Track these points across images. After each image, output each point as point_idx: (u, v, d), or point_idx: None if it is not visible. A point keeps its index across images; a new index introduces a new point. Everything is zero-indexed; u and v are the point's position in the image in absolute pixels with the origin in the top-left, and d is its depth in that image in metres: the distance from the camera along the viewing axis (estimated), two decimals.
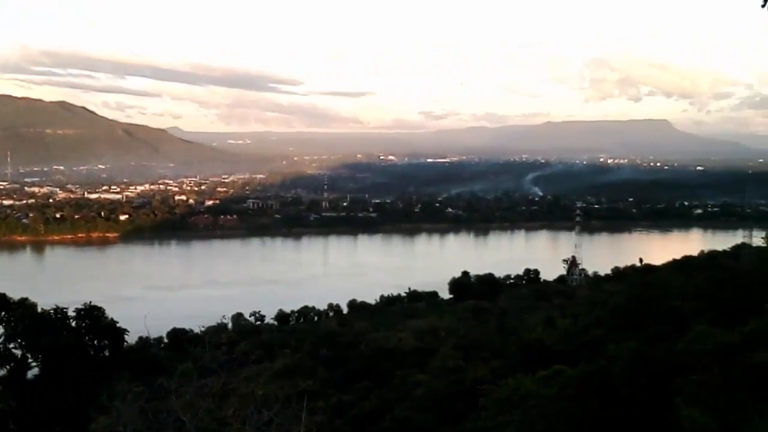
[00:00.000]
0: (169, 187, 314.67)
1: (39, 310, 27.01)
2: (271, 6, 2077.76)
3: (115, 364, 26.59)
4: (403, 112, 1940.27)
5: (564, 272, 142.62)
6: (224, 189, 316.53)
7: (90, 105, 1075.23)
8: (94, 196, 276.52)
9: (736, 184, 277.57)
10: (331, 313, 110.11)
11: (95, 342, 27.81)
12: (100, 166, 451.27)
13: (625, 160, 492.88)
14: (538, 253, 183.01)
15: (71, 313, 27.22)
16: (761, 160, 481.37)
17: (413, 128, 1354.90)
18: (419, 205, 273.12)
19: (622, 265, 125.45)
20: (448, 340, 63.11)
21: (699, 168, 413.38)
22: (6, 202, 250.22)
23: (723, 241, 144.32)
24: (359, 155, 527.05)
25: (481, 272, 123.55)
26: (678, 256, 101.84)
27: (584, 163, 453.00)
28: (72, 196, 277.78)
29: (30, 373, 25.93)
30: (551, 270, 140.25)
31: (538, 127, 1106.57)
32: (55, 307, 26.98)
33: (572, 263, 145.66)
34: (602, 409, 20.51)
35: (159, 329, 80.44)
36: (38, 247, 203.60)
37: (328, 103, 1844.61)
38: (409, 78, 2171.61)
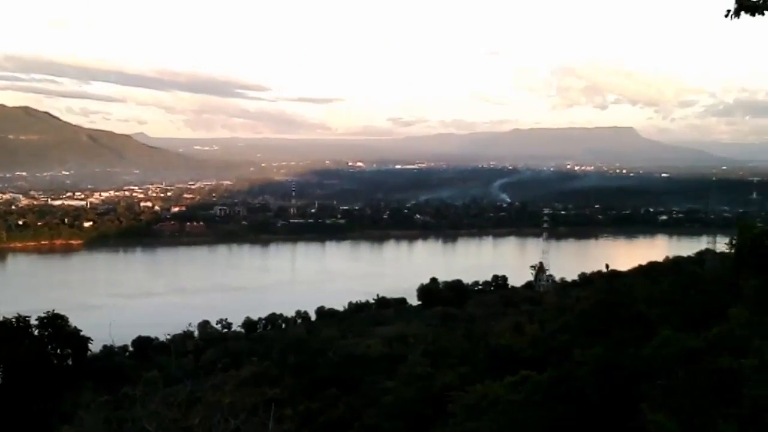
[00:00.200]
0: (134, 194, 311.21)
1: (0, 318, 26.46)
2: (237, 11, 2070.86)
3: (78, 373, 26.16)
4: (371, 119, 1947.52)
5: (532, 278, 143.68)
6: (191, 195, 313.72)
7: (54, 110, 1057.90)
8: (57, 202, 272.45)
9: (700, 190, 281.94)
10: (299, 321, 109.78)
11: (58, 351, 27.35)
12: (64, 172, 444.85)
13: (592, 167, 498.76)
14: (506, 260, 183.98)
15: (33, 321, 26.74)
16: (724, 168, 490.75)
17: (381, 135, 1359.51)
18: (387, 212, 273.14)
19: (588, 271, 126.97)
20: (416, 347, 62.95)
21: (664, 175, 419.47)
22: None
23: (687, 247, 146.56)
24: (327, 162, 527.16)
25: (450, 279, 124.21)
26: (643, 262, 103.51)
27: (551, 170, 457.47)
28: (35, 202, 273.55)
29: None
30: (519, 276, 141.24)
31: (505, 134, 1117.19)
32: (17, 315, 26.46)
33: (540, 269, 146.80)
34: (569, 415, 20.60)
35: (124, 337, 79.44)
36: (0, 255, 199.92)
37: (295, 109, 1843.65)
38: (378, 85, 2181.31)
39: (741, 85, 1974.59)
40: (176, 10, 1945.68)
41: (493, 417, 22.81)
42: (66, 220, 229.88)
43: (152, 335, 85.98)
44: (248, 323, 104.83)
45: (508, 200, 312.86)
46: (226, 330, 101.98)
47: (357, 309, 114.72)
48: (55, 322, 26.99)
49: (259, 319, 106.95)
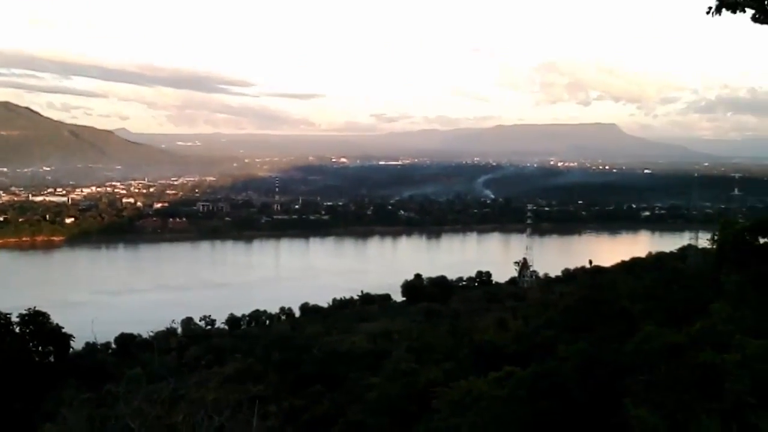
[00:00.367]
0: (116, 190, 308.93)
1: None
2: (220, 6, 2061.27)
3: (60, 370, 26.03)
4: (354, 115, 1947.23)
5: (515, 274, 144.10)
6: (173, 191, 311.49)
7: (34, 105, 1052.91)
8: (39, 198, 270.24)
9: (683, 186, 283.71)
10: (283, 317, 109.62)
11: (40, 348, 27.22)
12: (45, 168, 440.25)
13: (575, 164, 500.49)
14: (490, 256, 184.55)
15: (14, 319, 26.55)
16: (706, 164, 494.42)
17: (365, 131, 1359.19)
18: (371, 208, 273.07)
19: (572, 266, 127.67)
20: (400, 343, 63.07)
21: (646, 171, 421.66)
22: None
23: (670, 242, 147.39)
24: (311, 158, 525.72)
25: (434, 275, 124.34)
26: (626, 258, 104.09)
27: (535, 166, 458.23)
28: (16, 198, 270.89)
29: None
30: (503, 272, 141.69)
31: (489, 130, 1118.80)
32: None
33: (523, 265, 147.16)
34: (553, 410, 20.68)
35: (107, 335, 78.77)
36: None
37: (278, 104, 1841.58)
38: (361, 80, 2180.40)
39: (723, 82, 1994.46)
40: (158, 5, 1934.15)
41: (477, 413, 22.85)
42: (47, 216, 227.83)
43: (135, 332, 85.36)
44: (232, 320, 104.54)
45: (492, 196, 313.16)
46: (209, 327, 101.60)
47: (341, 305, 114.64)
48: (36, 319, 26.85)
49: (243, 315, 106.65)
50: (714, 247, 26.77)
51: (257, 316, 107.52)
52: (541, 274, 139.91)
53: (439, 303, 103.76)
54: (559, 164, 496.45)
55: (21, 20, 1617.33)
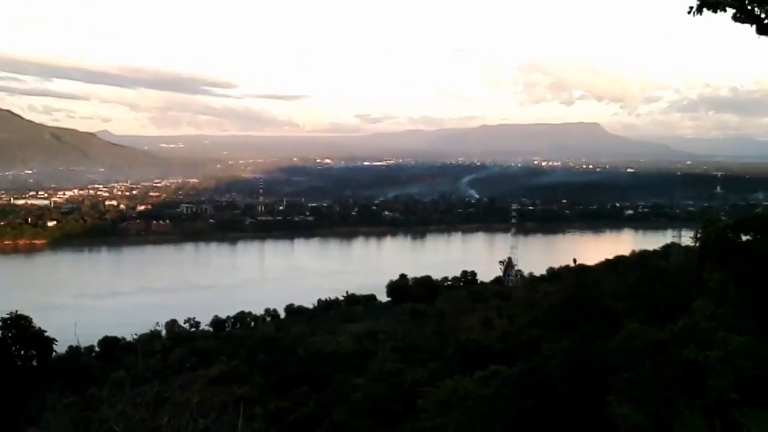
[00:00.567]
0: (99, 193, 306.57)
1: None
2: (202, 8, 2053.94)
3: (43, 374, 25.82)
4: (339, 116, 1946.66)
5: (500, 273, 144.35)
6: (156, 194, 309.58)
7: (15, 108, 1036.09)
8: (20, 202, 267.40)
9: (665, 185, 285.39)
10: (268, 318, 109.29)
11: (22, 352, 26.98)
12: (26, 171, 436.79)
13: (559, 163, 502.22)
14: (474, 255, 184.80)
15: None
16: (689, 162, 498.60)
17: (349, 131, 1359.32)
18: (356, 209, 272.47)
19: (556, 265, 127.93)
20: (386, 343, 63.15)
21: (629, 170, 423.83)
22: None
23: (653, 241, 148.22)
24: (295, 159, 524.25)
25: (419, 275, 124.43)
26: (610, 256, 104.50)
27: (519, 165, 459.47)
28: None
29: None
30: (488, 271, 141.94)
31: (473, 130, 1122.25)
32: None
33: (508, 264, 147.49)
34: (538, 408, 20.75)
35: (90, 338, 78.29)
36: None
37: (262, 106, 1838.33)
38: (345, 82, 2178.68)
39: (704, 81, 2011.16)
40: (140, 7, 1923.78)
41: (463, 412, 22.91)
42: (29, 219, 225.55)
43: (119, 335, 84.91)
44: (216, 322, 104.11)
45: (477, 196, 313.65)
46: (194, 329, 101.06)
47: (326, 306, 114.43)
48: (18, 323, 26.65)
49: (228, 317, 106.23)
50: (697, 245, 26.91)
51: (242, 317, 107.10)
52: (525, 273, 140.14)
53: (424, 303, 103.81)
54: (543, 164, 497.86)
55: (1, 22, 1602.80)
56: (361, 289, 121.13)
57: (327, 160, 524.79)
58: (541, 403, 20.88)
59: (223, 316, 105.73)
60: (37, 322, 27.17)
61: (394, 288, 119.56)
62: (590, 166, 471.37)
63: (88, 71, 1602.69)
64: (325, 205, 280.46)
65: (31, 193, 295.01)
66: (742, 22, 6.81)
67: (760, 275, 19.13)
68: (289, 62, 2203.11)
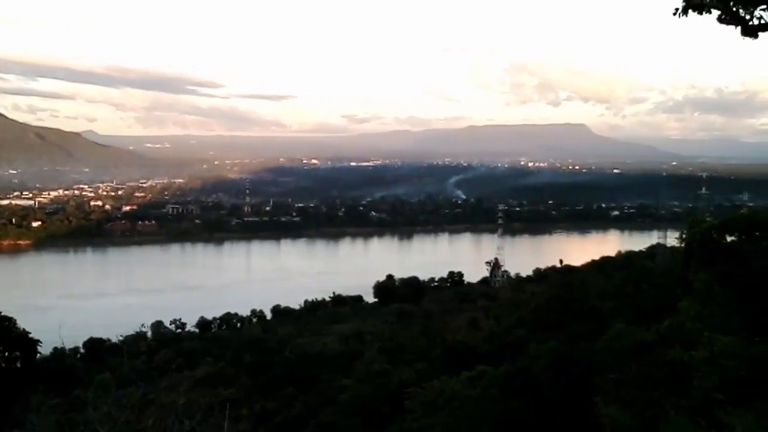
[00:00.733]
0: (84, 193, 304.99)
1: None
2: (189, 8, 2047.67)
3: (28, 375, 25.63)
4: (325, 116, 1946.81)
5: (487, 274, 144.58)
6: (142, 194, 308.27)
7: None
8: (5, 202, 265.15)
9: (651, 186, 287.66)
10: (254, 320, 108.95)
11: (6, 353, 26.80)
12: (11, 171, 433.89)
13: (545, 164, 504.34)
14: (461, 256, 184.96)
15: None
16: (674, 163, 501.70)
17: (336, 132, 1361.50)
18: (343, 209, 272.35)
19: (543, 266, 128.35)
20: (373, 344, 63.07)
21: (615, 171, 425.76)
22: None
23: (639, 241, 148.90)
24: (282, 159, 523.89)
25: (406, 276, 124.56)
26: (596, 257, 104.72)
27: (506, 166, 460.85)
28: None
29: None
30: (475, 272, 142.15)
31: (460, 130, 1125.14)
32: None
33: (495, 265, 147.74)
34: (525, 409, 20.79)
35: (75, 339, 77.73)
36: None
37: (249, 106, 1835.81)
38: (332, 82, 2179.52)
39: (690, 83, 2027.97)
40: (126, 6, 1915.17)
41: (450, 412, 22.93)
42: (13, 220, 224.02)
43: (104, 336, 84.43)
44: (203, 323, 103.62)
45: (463, 197, 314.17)
46: (179, 330, 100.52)
47: (313, 307, 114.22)
48: (2, 324, 26.49)
49: (214, 318, 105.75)
50: (682, 245, 27.05)
51: (228, 318, 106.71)
52: (512, 273, 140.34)
53: (411, 304, 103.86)
54: (530, 164, 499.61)
55: None
56: (347, 290, 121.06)
57: (314, 161, 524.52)
58: (528, 403, 20.91)
59: (209, 317, 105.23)
60: (22, 323, 26.99)
61: (381, 289, 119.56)
62: (577, 167, 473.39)
63: (74, 70, 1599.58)
64: (311, 205, 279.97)
65: (16, 194, 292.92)
66: (727, 23, 6.84)
67: (745, 276, 19.26)
68: (275, 62, 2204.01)
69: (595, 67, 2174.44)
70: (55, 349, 53.62)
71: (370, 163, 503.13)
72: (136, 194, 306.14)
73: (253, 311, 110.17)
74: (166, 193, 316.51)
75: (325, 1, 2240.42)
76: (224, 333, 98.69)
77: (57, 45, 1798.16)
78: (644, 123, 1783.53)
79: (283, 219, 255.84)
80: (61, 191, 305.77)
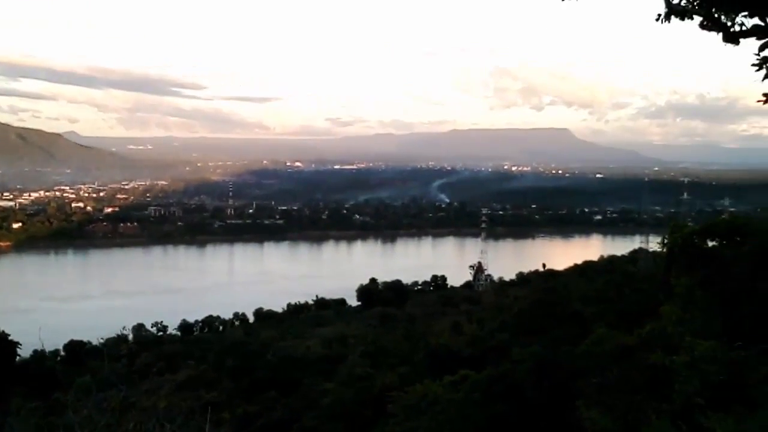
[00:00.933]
0: (65, 194, 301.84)
1: None
2: (172, 8, 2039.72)
3: (7, 378, 25.41)
4: (309, 119, 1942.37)
5: (470, 278, 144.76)
6: (124, 196, 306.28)
7: None
8: None
9: (633, 191, 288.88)
10: (236, 323, 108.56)
11: None
12: None
13: (528, 168, 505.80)
14: (445, 260, 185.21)
15: None
16: (656, 169, 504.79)
17: (320, 135, 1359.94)
18: (326, 212, 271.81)
19: (526, 270, 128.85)
20: (356, 348, 62.99)
21: (598, 175, 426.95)
22: None
23: (621, 246, 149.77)
24: (265, 161, 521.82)
25: (389, 279, 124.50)
26: (579, 262, 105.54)
27: (489, 170, 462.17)
28: None
29: None
30: (458, 276, 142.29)
31: (444, 134, 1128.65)
32: None
33: (478, 269, 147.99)
34: (508, 413, 20.82)
35: (55, 342, 77.10)
36: None
37: (232, 108, 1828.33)
38: (316, 85, 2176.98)
39: (672, 88, 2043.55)
40: (109, 6, 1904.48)
41: (432, 416, 22.92)
42: None
43: (85, 339, 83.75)
44: (184, 326, 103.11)
45: (447, 200, 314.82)
46: (161, 333, 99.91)
47: (296, 310, 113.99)
48: None
49: (196, 321, 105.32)
50: (664, 250, 27.20)
51: (210, 321, 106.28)
52: (495, 277, 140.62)
53: (394, 307, 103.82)
54: (513, 168, 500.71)
55: None
56: (331, 294, 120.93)
57: (297, 163, 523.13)
58: (511, 407, 20.95)
59: (191, 320, 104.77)
60: (1, 325, 26.76)
61: (364, 292, 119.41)
62: (560, 172, 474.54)
63: (56, 71, 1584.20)
64: (295, 208, 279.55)
65: None
66: (709, 29, 6.86)
67: (726, 280, 19.41)
68: (259, 64, 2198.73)
69: (578, 72, 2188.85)
70: (35, 351, 53.03)
71: (354, 167, 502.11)
72: (118, 196, 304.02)
73: (236, 314, 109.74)
74: (148, 195, 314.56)
75: (310, 5, 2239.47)
76: (206, 336, 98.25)
77: (39, 45, 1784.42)
78: (627, 128, 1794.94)
79: (267, 222, 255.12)
80: (42, 192, 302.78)
